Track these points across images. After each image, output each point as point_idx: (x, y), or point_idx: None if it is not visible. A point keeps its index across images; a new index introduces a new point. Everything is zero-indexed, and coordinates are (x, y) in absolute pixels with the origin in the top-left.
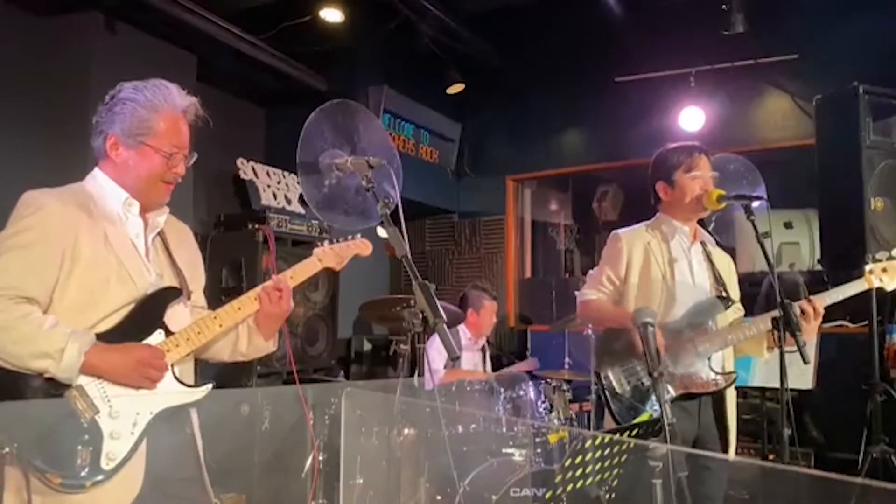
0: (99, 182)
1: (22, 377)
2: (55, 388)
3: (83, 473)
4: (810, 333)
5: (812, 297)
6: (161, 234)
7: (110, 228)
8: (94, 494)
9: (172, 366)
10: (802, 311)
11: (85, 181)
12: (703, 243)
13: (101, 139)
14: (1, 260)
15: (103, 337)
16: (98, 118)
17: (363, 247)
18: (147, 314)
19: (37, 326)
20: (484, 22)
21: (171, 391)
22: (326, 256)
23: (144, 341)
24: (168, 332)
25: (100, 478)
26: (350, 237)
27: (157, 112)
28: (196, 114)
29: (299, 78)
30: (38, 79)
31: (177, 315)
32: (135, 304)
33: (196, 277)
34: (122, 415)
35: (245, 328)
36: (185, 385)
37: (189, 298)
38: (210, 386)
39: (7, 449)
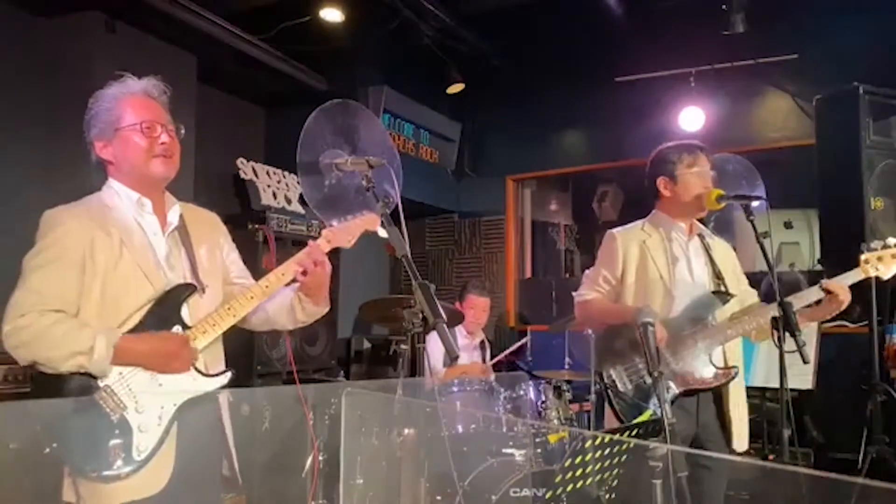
0: (113, 189)
1: (57, 380)
2: (87, 388)
3: (117, 464)
4: (833, 313)
5: (827, 282)
6: (182, 229)
7: (126, 234)
8: (131, 482)
9: None
10: (828, 292)
11: (102, 191)
12: (700, 236)
13: (92, 150)
14: (27, 281)
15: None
16: (83, 136)
17: (371, 221)
18: (164, 311)
19: (66, 329)
20: (484, 22)
21: (192, 382)
22: (336, 237)
23: None
24: (185, 327)
25: (133, 468)
26: (358, 213)
27: (118, 100)
28: (161, 89)
29: (299, 78)
30: (38, 79)
31: (196, 308)
32: (151, 304)
33: (230, 260)
34: (148, 409)
35: (297, 298)
36: (204, 375)
37: (204, 292)
38: (230, 374)
39: (48, 449)
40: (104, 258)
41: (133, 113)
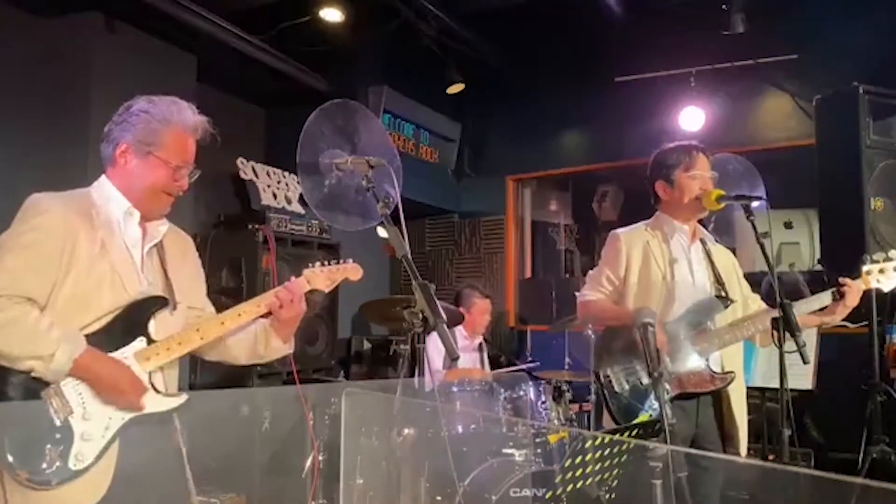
0: (104, 189)
1: (4, 374)
2: (34, 387)
3: (50, 472)
4: (841, 316)
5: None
6: (159, 245)
7: (108, 236)
8: (60, 493)
9: (151, 373)
10: (842, 295)
11: (91, 187)
12: (702, 241)
13: (111, 147)
14: (4, 259)
15: (88, 339)
16: (111, 126)
17: (353, 271)
18: (131, 321)
19: (32, 329)
20: (484, 22)
21: (147, 399)
22: (315, 278)
23: (126, 347)
24: (150, 340)
25: (67, 477)
26: (342, 260)
27: (169, 126)
28: (205, 133)
29: (299, 78)
30: (38, 79)
31: (163, 324)
32: (121, 310)
33: (194, 287)
34: (95, 417)
35: (262, 331)
36: (160, 394)
37: (175, 308)
38: (185, 396)
39: None
40: (85, 254)
41: (174, 149)
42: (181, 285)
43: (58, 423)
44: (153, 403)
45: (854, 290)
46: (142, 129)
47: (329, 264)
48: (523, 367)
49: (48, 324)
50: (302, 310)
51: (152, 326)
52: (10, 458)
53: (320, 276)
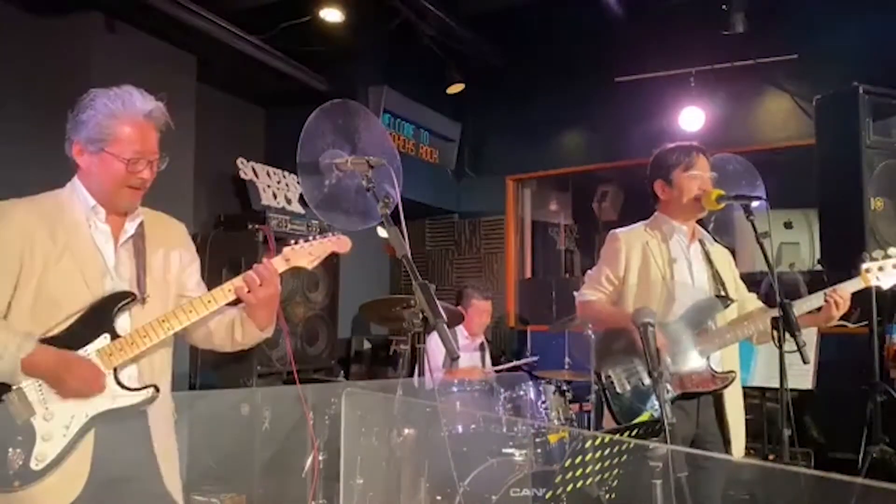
0: (74, 188)
1: None
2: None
3: (12, 473)
4: (832, 321)
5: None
6: (137, 237)
7: (73, 237)
8: (30, 494)
9: (116, 369)
10: (837, 304)
11: (65, 188)
12: (701, 242)
13: (69, 146)
14: None
15: (50, 341)
16: (67, 125)
17: (340, 244)
18: (94, 319)
19: None
20: (484, 22)
21: (110, 394)
22: (295, 255)
23: (90, 345)
24: (115, 336)
25: (30, 479)
26: (329, 234)
27: (117, 118)
28: (164, 118)
29: (299, 78)
30: (37, 79)
31: (137, 318)
32: (85, 310)
33: (186, 274)
34: (56, 417)
35: (238, 317)
36: (126, 388)
37: (144, 302)
38: (152, 390)
39: None
40: (43, 259)
41: (124, 142)
42: (163, 276)
43: (20, 424)
44: (116, 398)
45: (843, 300)
46: (92, 126)
47: (313, 240)
48: (523, 362)
49: None
50: (274, 291)
51: (122, 322)
52: None
53: (300, 253)
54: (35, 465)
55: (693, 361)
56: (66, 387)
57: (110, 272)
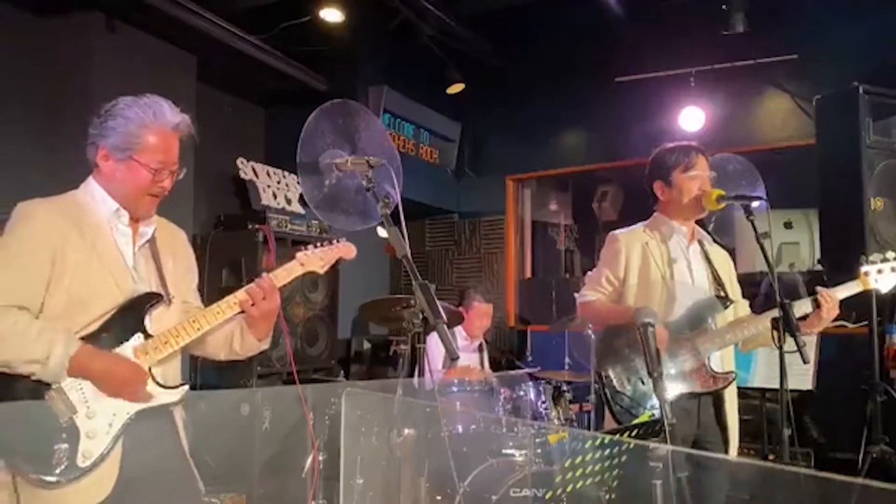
0: (91, 191)
1: (9, 379)
2: (39, 389)
3: (59, 470)
4: (821, 327)
5: (822, 290)
6: (151, 242)
7: (98, 238)
8: (66, 491)
9: (150, 368)
10: (819, 305)
11: (79, 189)
12: (700, 242)
13: (93, 150)
14: None
15: (86, 339)
16: (92, 129)
17: (347, 250)
18: (127, 318)
19: (25, 334)
20: (484, 22)
21: (148, 393)
22: (309, 260)
23: (124, 344)
24: (147, 336)
25: (75, 475)
26: (336, 240)
27: (147, 128)
28: (189, 130)
29: (299, 78)
30: (38, 79)
31: (160, 319)
32: (116, 310)
33: (187, 281)
34: (99, 415)
35: (238, 328)
36: (162, 387)
37: (170, 303)
38: (187, 387)
39: None
40: (75, 258)
41: (154, 152)
42: (174, 280)
43: (63, 423)
44: (156, 396)
45: (831, 302)
46: (120, 134)
47: (322, 245)
48: (524, 371)
49: (38, 328)
50: (275, 305)
51: (149, 322)
52: (21, 460)
53: (313, 258)
54: (81, 462)
55: (693, 361)
56: (112, 385)
57: (132, 274)
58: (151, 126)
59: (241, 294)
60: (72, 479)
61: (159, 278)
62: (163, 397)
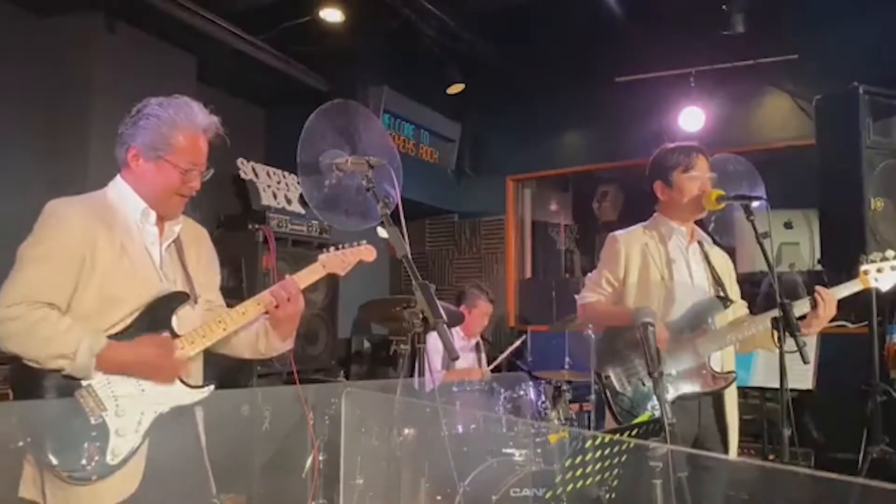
0: (120, 190)
1: (41, 376)
2: (69, 386)
3: (90, 467)
4: (819, 326)
5: (819, 289)
6: (176, 241)
7: (127, 237)
8: (97, 487)
9: None
10: (816, 304)
11: (107, 188)
12: (700, 243)
13: (123, 150)
14: (22, 271)
15: (115, 338)
16: (123, 129)
17: (367, 252)
18: (155, 317)
19: (52, 330)
20: (484, 22)
21: (175, 391)
22: (331, 262)
23: None
24: (174, 335)
25: (106, 472)
26: (356, 243)
27: (178, 129)
28: (217, 131)
29: (299, 78)
30: (38, 79)
31: (185, 318)
32: (143, 308)
33: (210, 280)
34: (128, 413)
35: (262, 328)
36: (188, 386)
37: (196, 302)
38: (212, 387)
39: (21, 443)
40: (105, 257)
41: (184, 152)
42: (199, 278)
43: (93, 421)
44: (183, 395)
45: (828, 301)
46: (152, 134)
47: (343, 248)
48: (511, 349)
49: (67, 324)
50: (299, 307)
51: (175, 321)
52: (52, 457)
53: (335, 260)
54: (111, 460)
55: (694, 361)
56: (145, 368)
57: (159, 273)
58: (182, 127)
59: (266, 295)
60: (101, 476)
61: (185, 277)
62: (189, 396)
